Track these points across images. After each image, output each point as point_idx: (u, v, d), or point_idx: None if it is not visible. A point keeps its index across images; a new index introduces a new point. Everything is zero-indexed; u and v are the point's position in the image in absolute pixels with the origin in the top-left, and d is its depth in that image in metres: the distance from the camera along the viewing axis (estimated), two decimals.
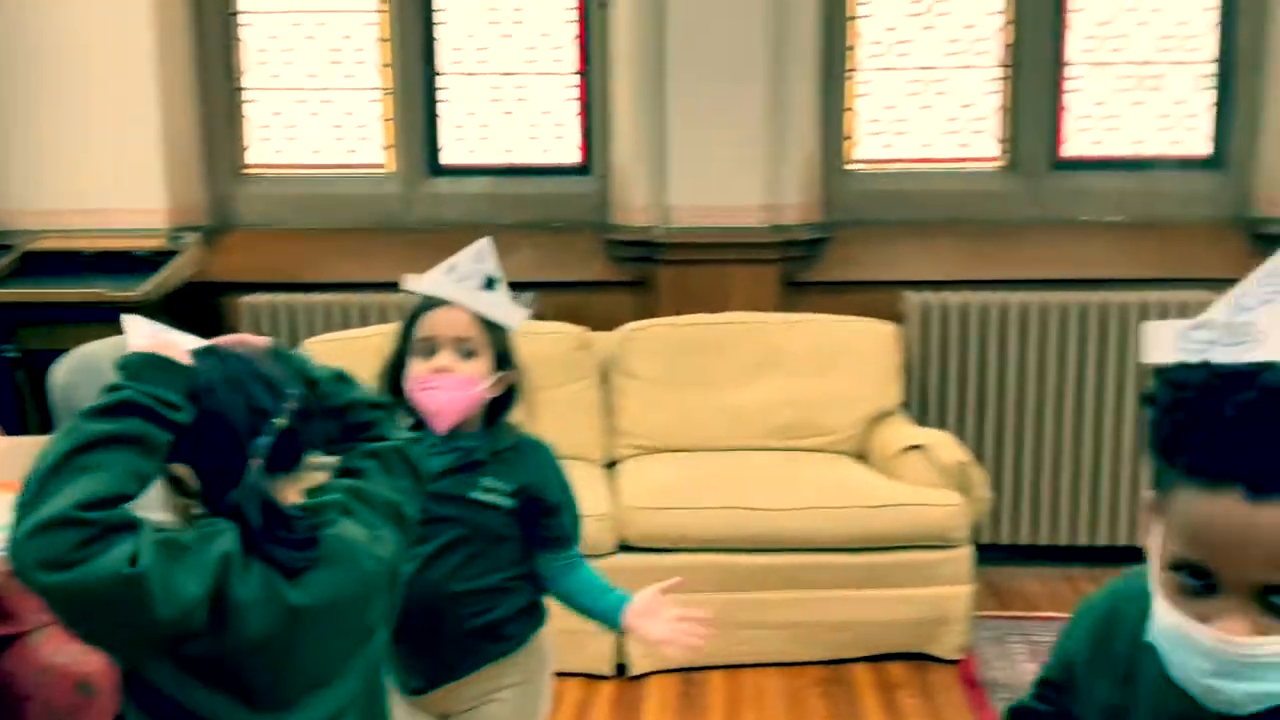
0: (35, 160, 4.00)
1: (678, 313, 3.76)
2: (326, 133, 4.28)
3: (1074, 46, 4.07)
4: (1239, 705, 0.86)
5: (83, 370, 2.51)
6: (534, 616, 1.90)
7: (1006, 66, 4.10)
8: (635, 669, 3.11)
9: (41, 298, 3.66)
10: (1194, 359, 0.87)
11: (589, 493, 3.16)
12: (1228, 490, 0.81)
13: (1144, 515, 0.95)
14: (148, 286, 3.68)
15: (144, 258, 3.87)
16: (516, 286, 3.82)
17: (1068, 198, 4.09)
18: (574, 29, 4.15)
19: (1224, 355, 0.85)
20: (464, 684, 1.83)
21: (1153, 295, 3.75)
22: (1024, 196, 4.10)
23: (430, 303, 1.78)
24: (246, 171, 4.31)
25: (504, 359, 1.81)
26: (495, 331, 1.78)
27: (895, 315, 3.81)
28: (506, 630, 1.84)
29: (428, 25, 4.18)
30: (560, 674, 3.05)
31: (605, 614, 1.85)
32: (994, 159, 4.15)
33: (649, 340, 3.58)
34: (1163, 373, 0.89)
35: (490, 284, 1.80)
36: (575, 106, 4.20)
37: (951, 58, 4.11)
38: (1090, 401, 3.76)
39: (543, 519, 1.83)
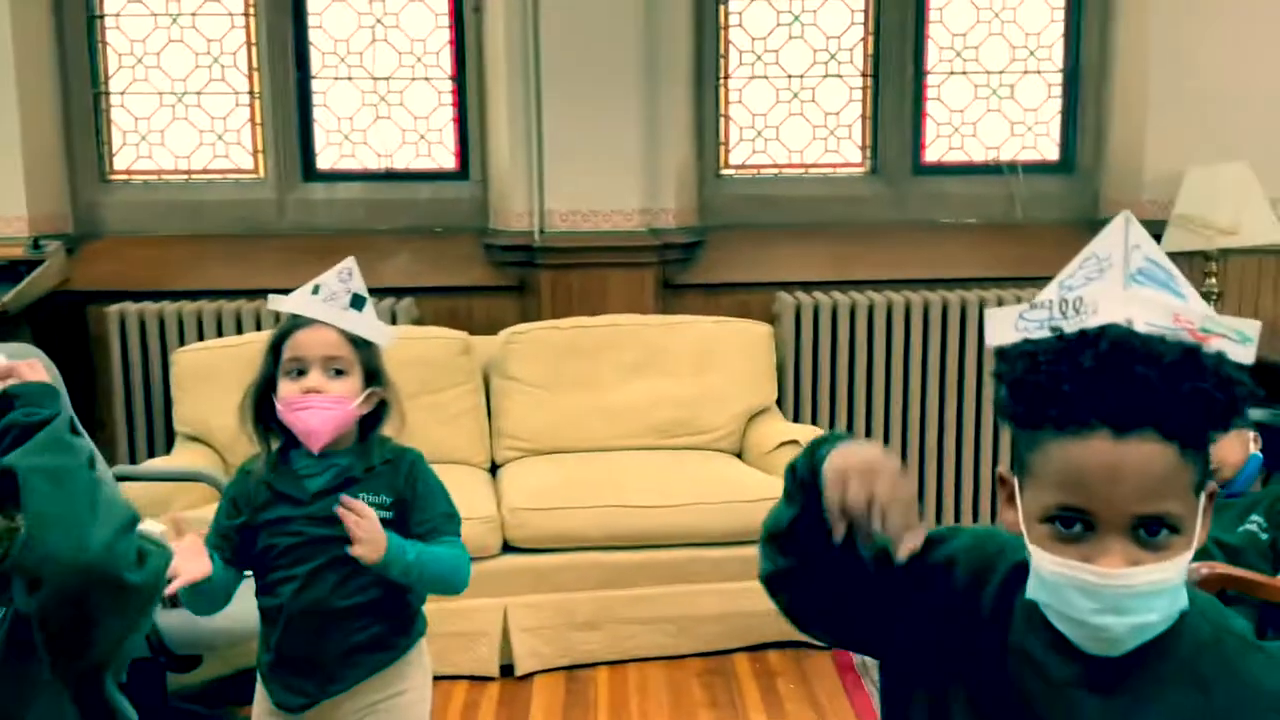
0: None
1: (558, 315, 3.80)
2: (195, 138, 4.20)
3: (933, 56, 4.26)
4: (1120, 642, 0.93)
5: None
6: (415, 625, 1.93)
7: (868, 76, 4.26)
8: (521, 669, 3.14)
9: None
10: (1034, 336, 0.96)
11: (473, 496, 3.19)
12: (1096, 433, 0.89)
13: (1001, 491, 1.02)
14: (7, 298, 3.56)
15: (3, 267, 3.74)
16: (396, 292, 3.89)
17: (928, 201, 4.28)
18: (446, 34, 4.16)
19: (1063, 328, 0.95)
20: (347, 697, 1.85)
21: (1008, 292, 3.95)
22: (887, 200, 4.27)
23: (297, 323, 1.79)
24: (112, 178, 4.20)
25: (373, 375, 1.83)
26: (363, 349, 1.80)
27: (769, 315, 3.93)
28: (389, 642, 1.86)
29: (299, 28, 4.14)
30: (447, 676, 3.09)
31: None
32: (859, 164, 4.31)
33: (530, 344, 3.61)
34: (1014, 348, 0.97)
35: (357, 302, 1.81)
36: (450, 112, 4.21)
37: (818, 67, 4.25)
38: (952, 391, 3.94)
39: (417, 520, 1.84)
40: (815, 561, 1.03)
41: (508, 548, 3.16)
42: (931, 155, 4.33)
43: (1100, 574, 0.91)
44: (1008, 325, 0.98)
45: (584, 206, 3.91)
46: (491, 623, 3.13)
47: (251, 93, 4.18)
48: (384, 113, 4.21)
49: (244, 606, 2.62)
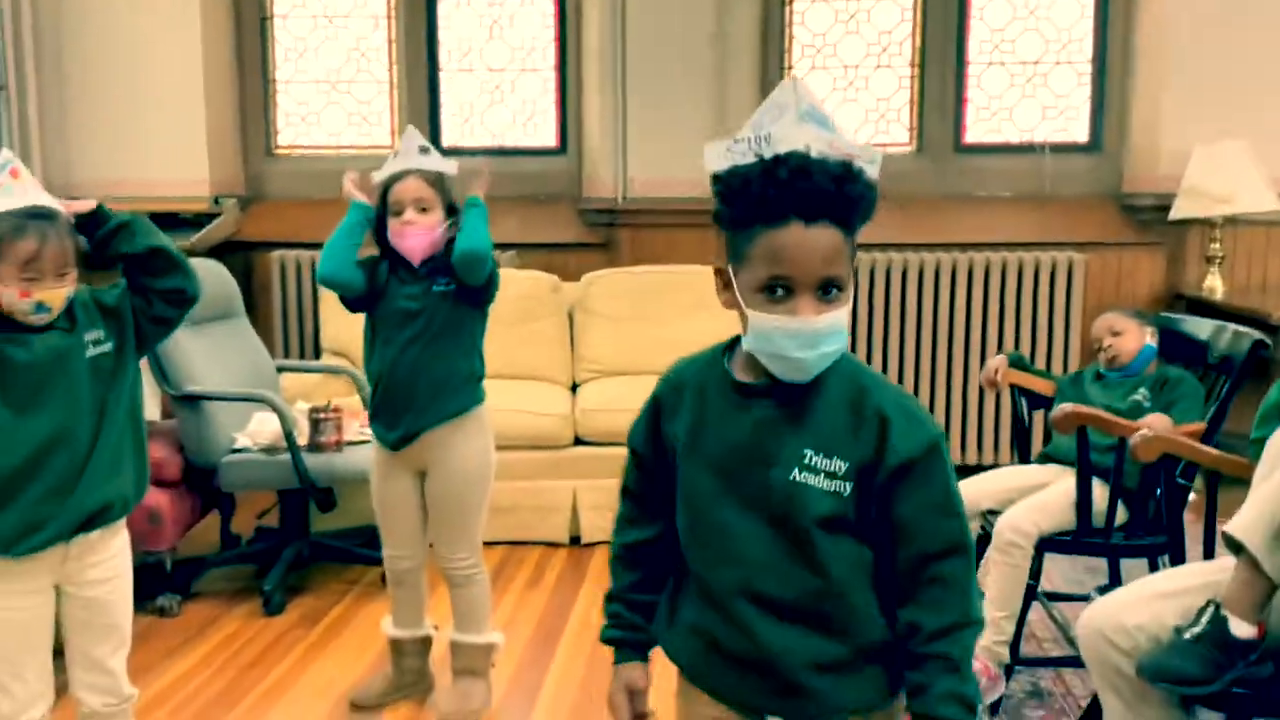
0: (104, 139, 4.78)
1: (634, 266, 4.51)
2: (343, 119, 5.06)
3: (974, 48, 4.83)
4: (810, 368, 1.25)
5: None
6: (478, 388, 2.59)
7: (915, 66, 4.85)
8: (586, 538, 3.84)
9: None
10: (739, 162, 1.25)
11: (554, 402, 3.91)
12: (791, 224, 1.22)
13: (718, 281, 1.32)
14: (193, 239, 4.45)
15: (190, 219, 4.64)
16: (503, 247, 4.65)
17: (968, 176, 4.84)
18: (552, 32, 4.93)
19: (763, 154, 1.24)
20: (431, 434, 2.52)
21: (1037, 254, 4.50)
22: (931, 175, 4.85)
23: (392, 180, 2.48)
24: (276, 152, 5.09)
25: (451, 209, 2.51)
26: (441, 191, 2.48)
27: None
28: (461, 393, 2.53)
29: (431, 28, 4.96)
30: (525, 542, 3.81)
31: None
32: (906, 144, 4.90)
33: (607, 285, 4.32)
34: (726, 172, 1.26)
35: (424, 150, 2.51)
36: (553, 97, 4.97)
37: (870, 59, 4.87)
38: (978, 337, 4.50)
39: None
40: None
41: (578, 441, 3.87)
42: (972, 137, 4.89)
43: (803, 321, 1.23)
44: (720, 155, 1.27)
45: (659, 175, 4.61)
46: (563, 500, 3.84)
47: (391, 82, 5.02)
48: (498, 99, 5.00)
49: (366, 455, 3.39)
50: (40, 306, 1.85)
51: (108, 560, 1.98)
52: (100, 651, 1.98)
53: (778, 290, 1.23)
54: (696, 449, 1.34)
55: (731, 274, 1.28)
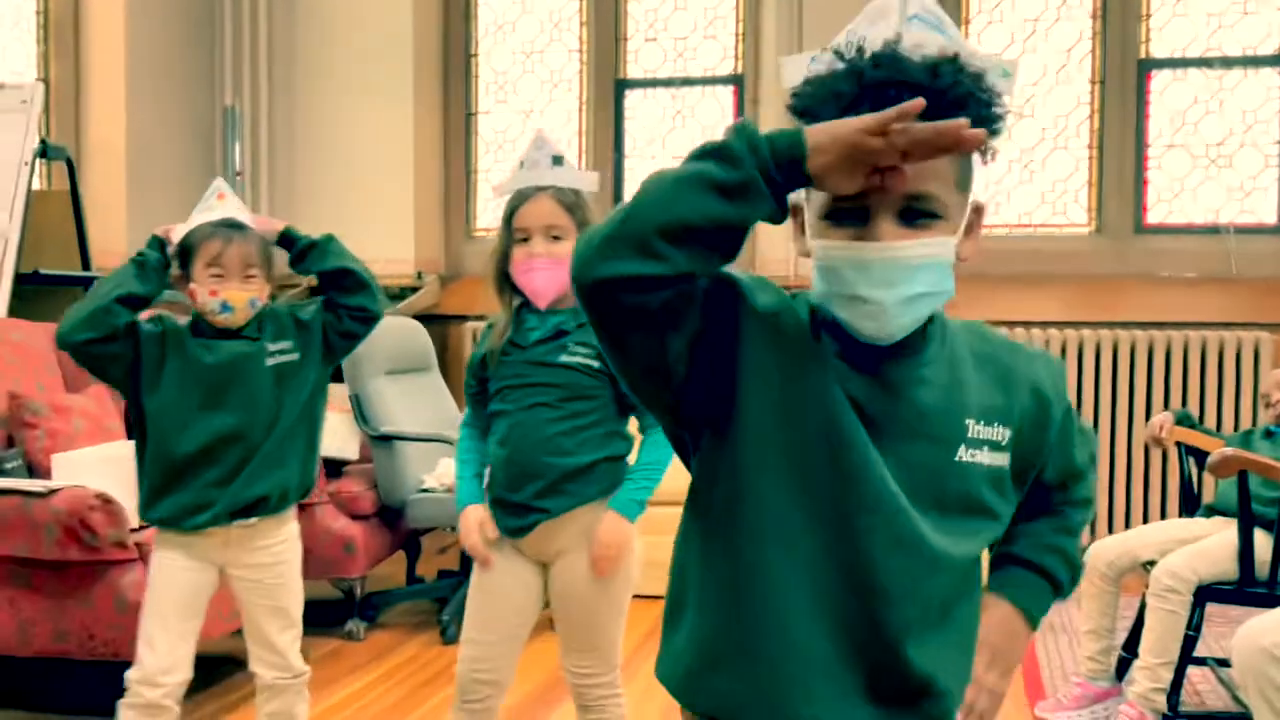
0: (325, 220, 5.17)
1: None
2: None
3: (1153, 131, 4.81)
4: (891, 318, 0.98)
5: None
6: (620, 470, 2.02)
7: (1093, 149, 4.87)
8: None
9: None
10: (821, 72, 1.02)
11: None
12: None
13: (794, 222, 1.04)
14: (398, 308, 4.86)
15: (396, 292, 5.07)
16: None
17: (1149, 257, 4.78)
18: (730, 122, 5.21)
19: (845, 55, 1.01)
20: (556, 524, 1.97)
21: (1220, 333, 4.40)
22: (1110, 255, 4.82)
23: (520, 200, 1.99)
24: (474, 234, 5.52)
25: None
26: (578, 215, 1.97)
27: None
28: (593, 474, 1.98)
29: (619, 120, 5.33)
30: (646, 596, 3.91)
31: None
32: (1084, 224, 4.89)
33: None
34: (806, 81, 1.03)
35: (557, 160, 2.03)
36: None
37: (1046, 141, 4.92)
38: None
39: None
40: (707, 266, 0.98)
41: None
42: (1153, 218, 4.84)
43: (875, 246, 0.96)
44: (799, 68, 1.05)
45: None
46: None
47: (580, 170, 5.39)
48: None
49: None
50: (225, 306, 2.08)
51: (271, 547, 2.17)
52: (269, 629, 2.18)
53: (845, 216, 0.98)
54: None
55: (805, 205, 1.03)
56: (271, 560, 2.18)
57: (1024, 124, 4.94)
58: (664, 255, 0.94)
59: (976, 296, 4.77)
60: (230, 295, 2.09)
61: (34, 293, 3.77)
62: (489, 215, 5.52)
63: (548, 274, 1.97)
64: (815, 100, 1.00)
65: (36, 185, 3.50)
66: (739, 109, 5.20)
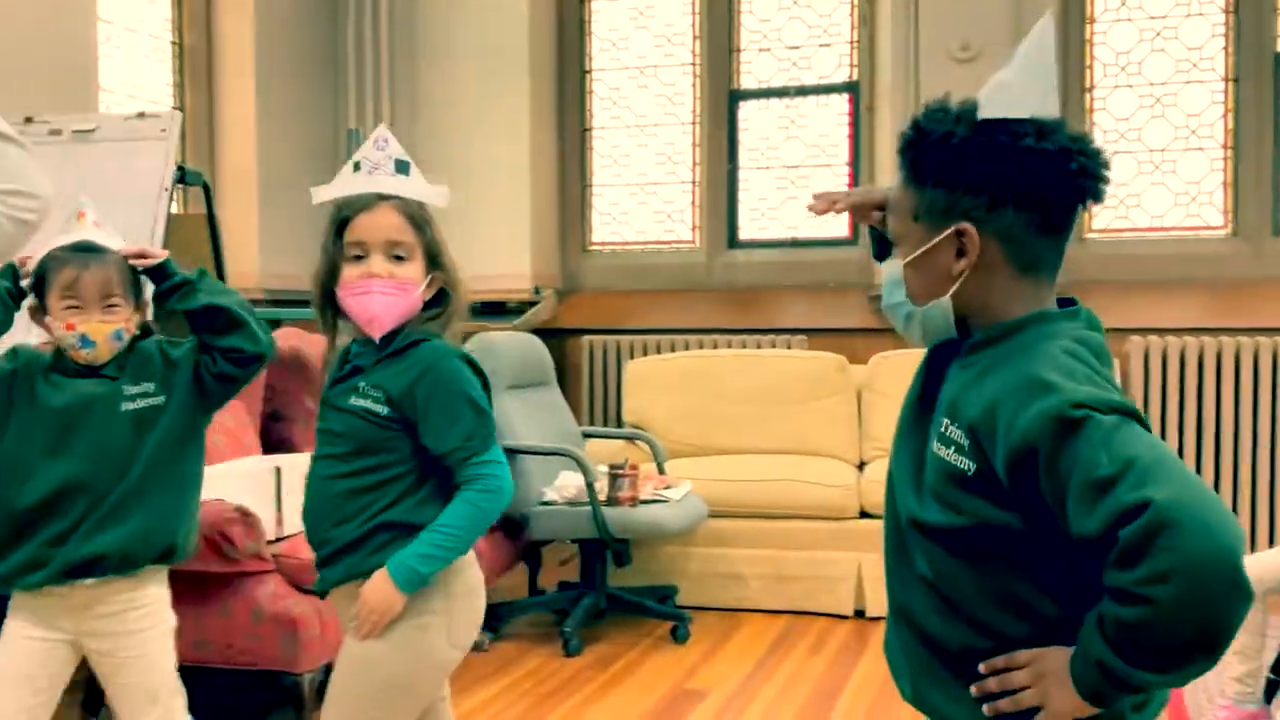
0: (446, 237, 5.41)
1: None
2: (649, 217, 5.48)
3: None
4: (899, 323, 1.29)
5: (485, 349, 3.71)
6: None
7: (1228, 149, 4.67)
8: (871, 612, 3.85)
9: None
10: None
11: (841, 475, 3.99)
12: None
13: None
14: (516, 323, 4.94)
15: (514, 307, 5.15)
16: (793, 332, 4.83)
17: None
18: (845, 130, 5.15)
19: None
20: (338, 596, 1.74)
21: None
22: (1247, 258, 4.61)
23: (355, 208, 1.70)
24: (589, 248, 5.57)
25: (434, 260, 1.73)
26: (424, 232, 1.72)
27: (1119, 355, 4.42)
28: (369, 544, 1.68)
29: (732, 131, 5.32)
30: (807, 612, 3.87)
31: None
32: (1220, 227, 4.69)
33: (894, 365, 4.39)
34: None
35: (401, 167, 1.73)
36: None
37: (1179, 141, 4.74)
38: None
39: (432, 440, 1.68)
40: None
41: (864, 514, 3.92)
42: None
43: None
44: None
45: None
46: (848, 572, 3.89)
47: (694, 181, 5.40)
48: (792, 194, 5.26)
49: (685, 509, 3.60)
50: (85, 340, 1.84)
51: (122, 614, 1.89)
52: (124, 709, 1.91)
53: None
54: None
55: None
56: (125, 630, 1.89)
57: (1155, 124, 4.76)
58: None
59: (1108, 304, 4.62)
60: (90, 328, 1.84)
61: (172, 313, 3.93)
62: (604, 230, 5.56)
63: (387, 300, 1.68)
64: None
65: (174, 209, 3.66)
66: (854, 116, 5.14)
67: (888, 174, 4.84)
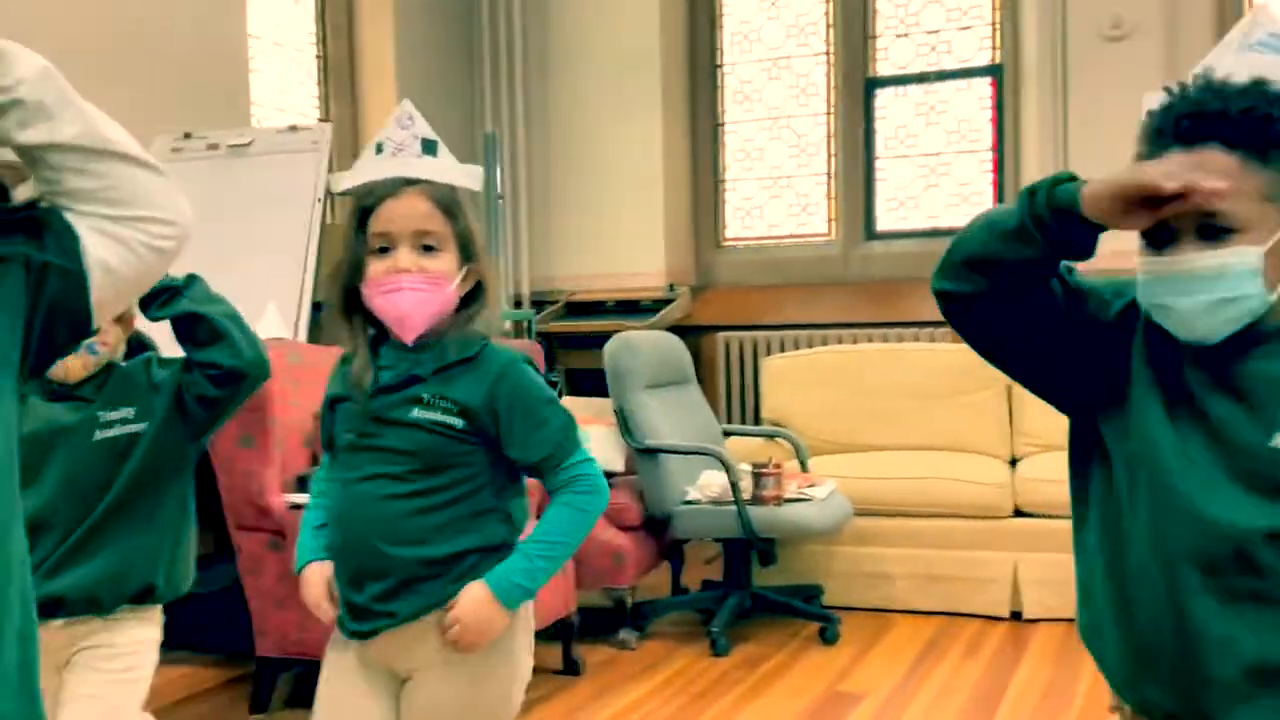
0: (575, 242, 5.46)
1: None
2: (783, 211, 5.41)
3: None
4: (1192, 322, 1.09)
5: (625, 348, 3.72)
6: (500, 559, 1.53)
7: None
8: (1028, 614, 3.72)
9: (581, 329, 5.05)
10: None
11: (993, 472, 3.87)
12: (1170, 150, 1.10)
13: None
14: (651, 321, 4.93)
15: (649, 305, 5.15)
16: (936, 324, 4.71)
17: None
18: (989, 114, 4.99)
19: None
20: (406, 632, 1.52)
21: None
22: None
23: (379, 196, 1.51)
24: (724, 243, 5.53)
25: (468, 251, 1.53)
26: (456, 219, 1.51)
27: None
28: (457, 568, 1.51)
29: (868, 120, 5.21)
30: (961, 614, 3.76)
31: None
32: None
33: None
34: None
35: (429, 147, 1.55)
36: (990, 177, 5.00)
37: None
38: None
39: (519, 448, 1.53)
40: (1012, 292, 1.13)
41: (1018, 513, 3.79)
42: None
43: (1167, 261, 1.09)
44: (1150, 102, 1.19)
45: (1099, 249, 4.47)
46: (1003, 573, 3.76)
47: (829, 173, 5.31)
48: (933, 182, 5.12)
49: (830, 508, 3.54)
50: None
51: (91, 650, 1.73)
52: None
53: (1153, 238, 1.10)
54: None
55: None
56: (89, 665, 1.72)
57: None
58: (967, 279, 1.15)
59: None
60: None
61: (324, 319, 4.05)
62: (738, 224, 5.52)
63: (418, 296, 1.48)
64: (1142, 137, 1.14)
65: (328, 219, 3.76)
66: (998, 101, 4.97)
67: (1034, 159, 4.67)
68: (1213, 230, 1.07)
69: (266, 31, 4.57)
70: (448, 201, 1.50)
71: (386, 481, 1.50)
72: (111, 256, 0.95)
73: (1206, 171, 1.04)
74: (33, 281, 0.93)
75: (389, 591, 1.50)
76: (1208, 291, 1.07)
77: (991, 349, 1.20)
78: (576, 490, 1.54)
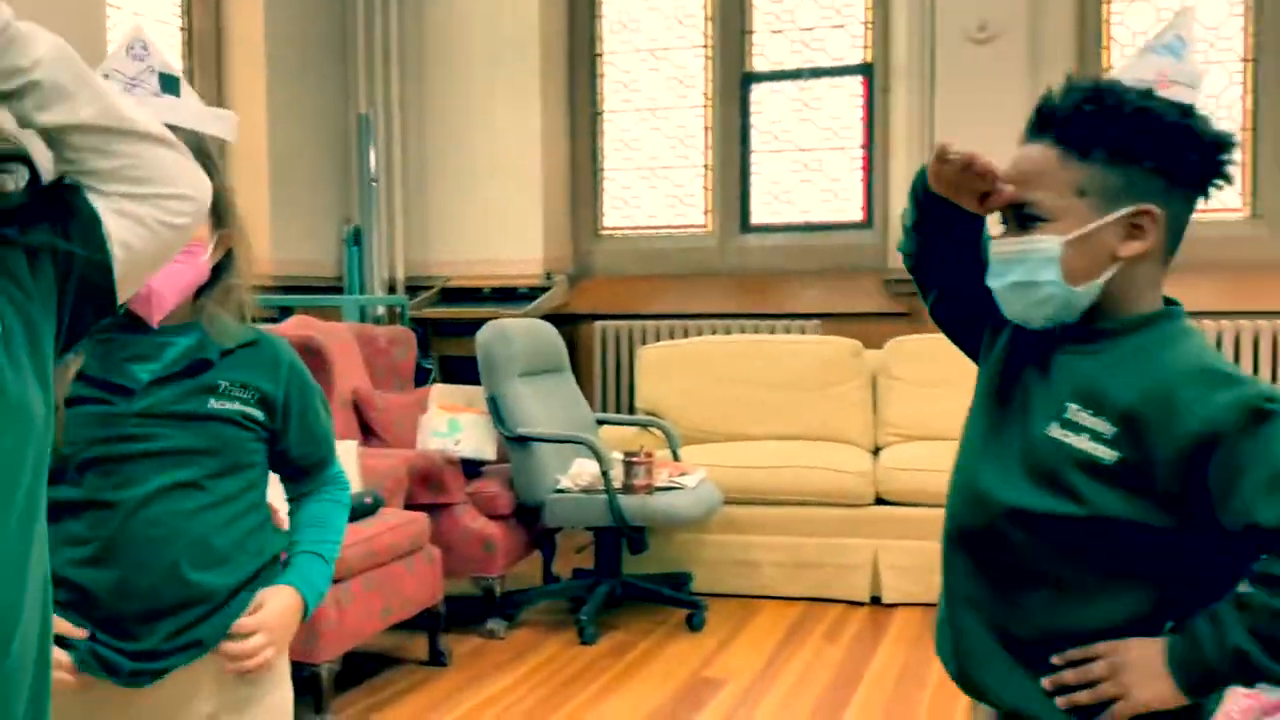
0: (452, 228, 5.40)
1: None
2: (661, 201, 5.45)
3: None
4: (1005, 303, 1.18)
5: (498, 336, 3.69)
6: (276, 572, 1.38)
7: (1246, 130, 4.62)
8: (887, 599, 3.84)
9: (456, 316, 4.99)
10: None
11: (856, 460, 3.97)
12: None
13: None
14: (527, 309, 4.91)
15: (526, 292, 5.13)
16: (807, 317, 4.81)
17: None
18: (860, 112, 5.11)
19: None
20: (201, 667, 1.30)
21: None
22: (1270, 242, 4.57)
23: None
24: (601, 233, 5.54)
25: (219, 214, 1.29)
26: (208, 175, 1.08)
27: None
28: (255, 587, 1.34)
29: (744, 114, 5.28)
30: (823, 599, 3.85)
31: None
32: (1238, 209, 4.65)
33: (910, 350, 4.36)
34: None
35: (168, 84, 1.26)
36: (860, 174, 5.12)
37: None
38: None
39: (296, 446, 1.40)
40: (939, 254, 1.28)
41: (880, 501, 3.90)
42: None
43: (992, 244, 1.20)
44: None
45: None
46: (864, 559, 3.87)
47: (705, 165, 5.36)
48: (806, 177, 5.21)
49: (699, 496, 3.57)
50: None
51: None
52: None
53: (1003, 221, 1.20)
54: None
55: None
56: None
57: None
58: (910, 241, 1.31)
59: None
60: None
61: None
62: (616, 214, 5.53)
63: (169, 267, 1.17)
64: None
65: None
66: (869, 99, 5.09)
67: (902, 156, 4.80)
68: (1024, 219, 1.15)
69: (127, 1, 4.39)
70: (194, 153, 1.05)
71: (184, 492, 1.27)
72: (131, 236, 0.95)
73: (1022, 162, 1.16)
74: (61, 271, 0.92)
75: (188, 624, 1.27)
76: (1011, 274, 1.16)
77: (934, 307, 1.33)
78: (340, 486, 1.47)
